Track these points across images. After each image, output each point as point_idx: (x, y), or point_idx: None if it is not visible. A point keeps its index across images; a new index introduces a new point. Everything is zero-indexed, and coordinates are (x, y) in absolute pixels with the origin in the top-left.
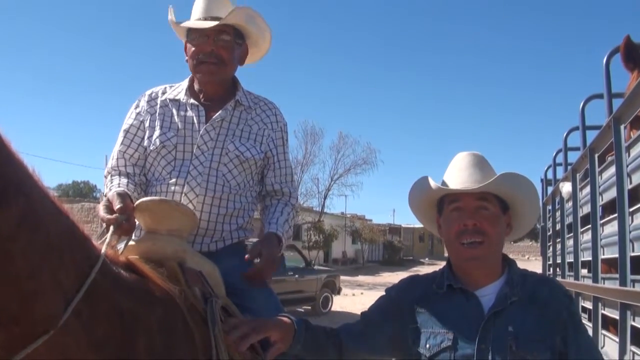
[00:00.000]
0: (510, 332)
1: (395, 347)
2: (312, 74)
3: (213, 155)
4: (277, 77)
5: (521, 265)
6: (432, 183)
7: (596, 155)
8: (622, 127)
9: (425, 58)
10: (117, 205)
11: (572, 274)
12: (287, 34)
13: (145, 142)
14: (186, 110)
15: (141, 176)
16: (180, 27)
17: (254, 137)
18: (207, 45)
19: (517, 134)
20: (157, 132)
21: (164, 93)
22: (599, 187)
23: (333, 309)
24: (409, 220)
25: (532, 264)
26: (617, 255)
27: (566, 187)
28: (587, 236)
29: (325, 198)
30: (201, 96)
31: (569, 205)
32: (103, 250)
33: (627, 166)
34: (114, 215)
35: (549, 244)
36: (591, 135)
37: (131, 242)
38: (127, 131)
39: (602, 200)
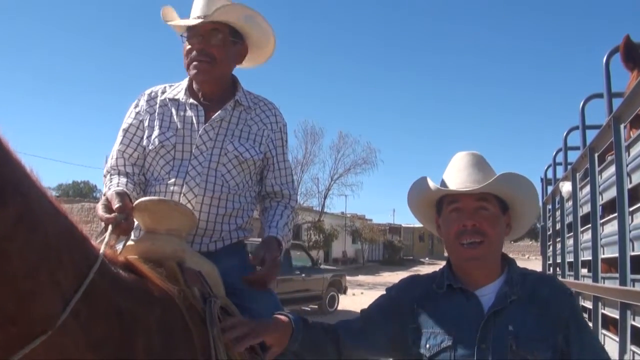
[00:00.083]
0: (510, 332)
1: (395, 347)
2: (312, 74)
3: (212, 155)
4: (277, 77)
5: (521, 264)
6: (431, 184)
7: (596, 155)
8: (622, 126)
9: (425, 58)
10: (116, 205)
11: (572, 273)
12: (287, 34)
13: (145, 142)
14: (185, 110)
15: (140, 176)
16: (179, 27)
17: (253, 138)
18: (198, 44)
19: (517, 134)
20: (156, 132)
21: (163, 92)
22: (599, 186)
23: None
24: (409, 220)
25: (532, 264)
26: (617, 255)
27: (566, 187)
28: (587, 235)
29: (325, 198)
30: (200, 96)
31: (569, 204)
32: (101, 250)
33: (627, 165)
34: (112, 215)
35: (549, 244)
36: (591, 135)
37: (130, 242)
38: (126, 130)
39: (602, 199)
